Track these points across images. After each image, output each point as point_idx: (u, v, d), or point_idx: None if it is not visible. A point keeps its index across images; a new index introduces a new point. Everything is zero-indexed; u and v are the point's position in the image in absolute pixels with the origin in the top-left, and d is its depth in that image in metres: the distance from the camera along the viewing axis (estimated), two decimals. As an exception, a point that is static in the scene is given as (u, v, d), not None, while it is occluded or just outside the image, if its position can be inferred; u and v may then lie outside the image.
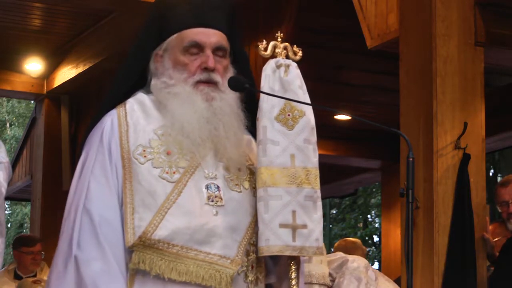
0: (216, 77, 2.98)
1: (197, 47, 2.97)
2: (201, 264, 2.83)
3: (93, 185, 2.87)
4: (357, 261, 4.81)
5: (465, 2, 5.82)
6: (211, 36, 2.99)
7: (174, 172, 2.89)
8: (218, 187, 2.94)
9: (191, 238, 2.83)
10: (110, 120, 2.95)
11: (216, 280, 2.83)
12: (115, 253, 2.80)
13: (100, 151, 2.91)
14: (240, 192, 2.98)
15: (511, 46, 6.13)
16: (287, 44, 3.07)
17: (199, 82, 2.97)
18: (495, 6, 5.98)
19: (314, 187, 2.96)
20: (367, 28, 6.26)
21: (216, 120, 2.95)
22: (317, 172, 2.98)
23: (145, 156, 2.89)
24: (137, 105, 2.98)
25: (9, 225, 25.14)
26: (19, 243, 8.12)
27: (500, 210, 5.53)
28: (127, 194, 2.85)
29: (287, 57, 3.05)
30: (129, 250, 2.82)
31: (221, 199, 2.92)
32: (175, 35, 2.99)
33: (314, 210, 2.97)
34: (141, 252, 2.80)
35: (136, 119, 2.95)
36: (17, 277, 7.83)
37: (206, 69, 2.97)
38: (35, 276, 7.82)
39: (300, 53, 3.09)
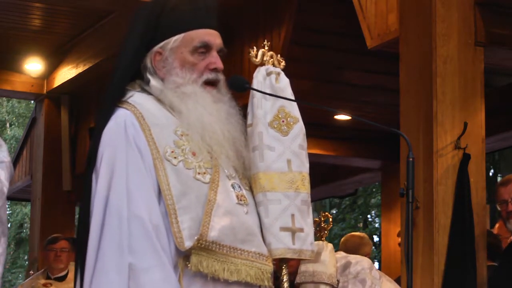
0: (221, 77, 3.03)
1: (206, 48, 3.00)
2: (246, 263, 2.88)
3: (134, 188, 2.81)
4: (360, 263, 4.78)
5: (465, 2, 5.82)
6: (216, 37, 3.04)
7: (204, 173, 2.89)
8: (240, 186, 2.98)
9: (235, 238, 2.87)
10: (130, 121, 2.89)
11: (260, 277, 2.90)
12: (169, 260, 2.79)
13: (130, 152, 2.85)
14: (249, 191, 3.03)
15: (511, 46, 6.13)
16: (272, 53, 3.13)
17: (206, 83, 2.99)
18: (495, 6, 5.98)
19: (308, 192, 3.05)
20: (367, 28, 6.26)
21: (227, 123, 2.99)
22: (309, 178, 3.06)
23: (175, 157, 2.87)
24: (147, 105, 2.95)
25: (9, 225, 25.10)
26: (46, 243, 8.17)
27: (499, 209, 5.53)
28: (167, 197, 2.82)
29: (273, 65, 3.11)
30: (179, 254, 2.81)
31: (246, 198, 2.97)
32: (181, 35, 2.99)
33: (308, 214, 3.05)
34: (197, 254, 2.80)
35: (152, 120, 2.92)
36: (48, 278, 7.88)
37: (215, 70, 3.01)
38: (67, 274, 7.84)
39: (283, 63, 3.16)
